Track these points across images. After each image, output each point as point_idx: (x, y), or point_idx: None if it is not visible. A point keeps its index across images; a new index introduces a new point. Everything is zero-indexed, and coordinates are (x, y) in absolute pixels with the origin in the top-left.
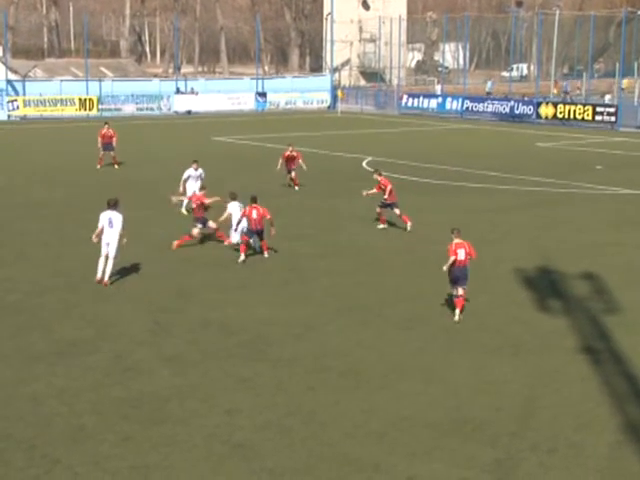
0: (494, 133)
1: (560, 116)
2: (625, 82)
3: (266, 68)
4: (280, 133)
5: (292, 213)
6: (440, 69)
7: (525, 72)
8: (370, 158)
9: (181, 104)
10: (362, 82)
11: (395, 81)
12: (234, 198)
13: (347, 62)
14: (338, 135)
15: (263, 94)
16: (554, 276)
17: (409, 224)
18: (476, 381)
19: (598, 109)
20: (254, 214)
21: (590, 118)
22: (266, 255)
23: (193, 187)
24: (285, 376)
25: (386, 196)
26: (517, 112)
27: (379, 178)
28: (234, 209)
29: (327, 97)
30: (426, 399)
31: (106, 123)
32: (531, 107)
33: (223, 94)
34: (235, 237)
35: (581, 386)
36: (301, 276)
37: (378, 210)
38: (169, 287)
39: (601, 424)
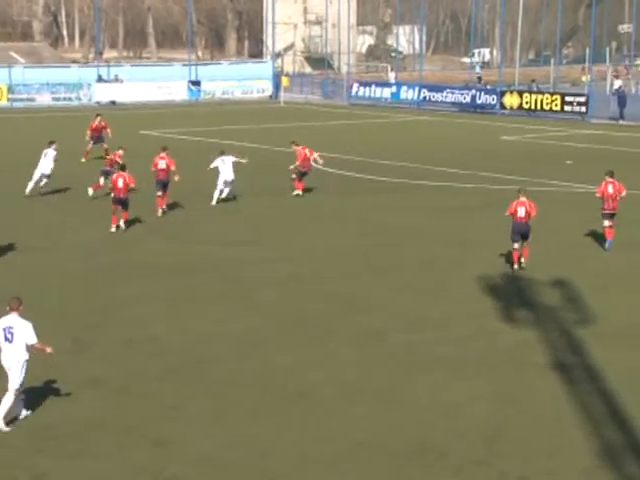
0: (455, 125)
1: (526, 106)
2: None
3: (200, 53)
4: (216, 126)
5: (229, 215)
6: (394, 54)
7: (487, 58)
8: (317, 154)
9: (104, 94)
10: (307, 69)
11: (344, 68)
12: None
13: (291, 47)
14: (281, 128)
15: (197, 82)
16: (521, 283)
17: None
18: (438, 402)
19: (567, 99)
20: (120, 182)
21: (559, 108)
22: (122, 226)
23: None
24: (223, 401)
25: (298, 162)
26: (479, 102)
27: (296, 148)
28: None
29: (268, 86)
30: (383, 423)
31: (98, 115)
32: (494, 96)
33: (151, 82)
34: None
35: (552, 406)
36: (242, 286)
37: (294, 177)
38: (90, 300)
39: (575, 448)
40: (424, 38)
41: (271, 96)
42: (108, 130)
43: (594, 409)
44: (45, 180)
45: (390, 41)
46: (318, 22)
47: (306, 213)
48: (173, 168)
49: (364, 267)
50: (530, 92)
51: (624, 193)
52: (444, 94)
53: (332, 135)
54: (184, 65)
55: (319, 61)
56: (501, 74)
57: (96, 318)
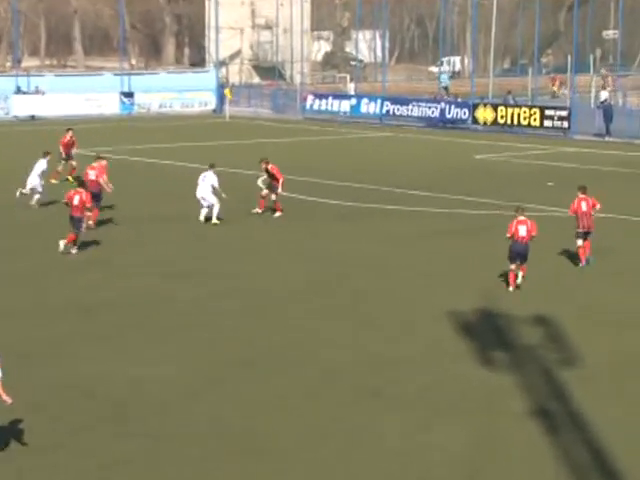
0: (422, 142)
1: (501, 121)
2: (606, 76)
3: (133, 61)
4: (151, 144)
5: (170, 243)
6: (353, 63)
7: (458, 67)
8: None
9: (23, 107)
10: (256, 79)
11: (297, 78)
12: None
13: (237, 54)
14: (226, 146)
15: (129, 94)
16: (497, 319)
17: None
18: (406, 450)
19: (547, 112)
20: (75, 200)
21: (538, 124)
22: (63, 247)
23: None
24: (161, 454)
25: (280, 189)
26: (449, 116)
27: (269, 167)
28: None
29: (212, 98)
30: (348, 472)
31: (69, 129)
32: (466, 110)
33: (78, 94)
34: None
35: (532, 458)
36: (183, 321)
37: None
38: (5, 343)
39: None
40: (387, 45)
41: (215, 110)
42: (75, 147)
43: (578, 461)
44: (37, 196)
45: (349, 48)
46: (268, 27)
47: (254, 241)
48: (104, 179)
49: (320, 302)
50: (506, 105)
51: (598, 206)
52: (410, 107)
53: (283, 154)
54: (115, 75)
55: (269, 70)
56: (473, 85)
57: (13, 363)
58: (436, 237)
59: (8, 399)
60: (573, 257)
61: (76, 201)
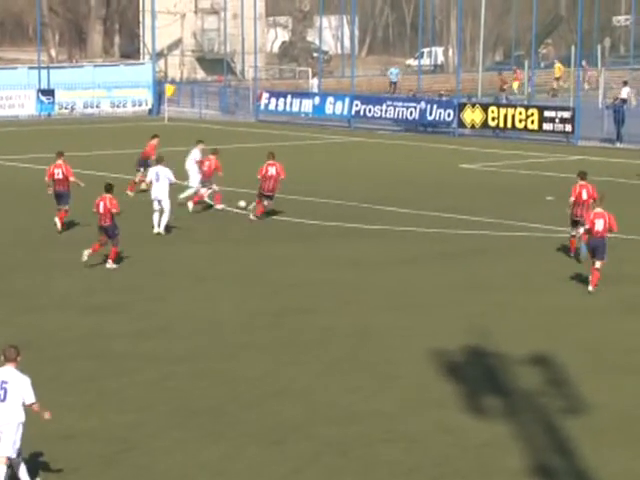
0: (398, 149)
1: (492, 124)
2: (557, 69)
3: (53, 53)
4: (75, 151)
5: (93, 270)
6: (316, 55)
7: (441, 59)
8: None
9: None
10: (200, 74)
11: (250, 73)
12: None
13: (177, 44)
14: (165, 153)
15: (49, 92)
16: (490, 360)
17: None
18: None
19: (547, 114)
20: (101, 207)
21: (536, 127)
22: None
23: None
24: None
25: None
26: (431, 118)
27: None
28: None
29: (148, 96)
30: None
31: (156, 136)
32: (451, 111)
33: None
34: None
35: None
36: (112, 366)
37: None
38: None
39: None
40: (356, 33)
41: (151, 110)
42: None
43: None
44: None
45: (311, 37)
46: (214, 12)
47: (196, 267)
48: (72, 178)
49: (274, 339)
50: (498, 105)
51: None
52: (384, 108)
53: (232, 163)
54: (31, 68)
55: (216, 63)
56: (459, 81)
57: None
58: (414, 262)
59: (47, 414)
60: (578, 285)
61: (101, 208)
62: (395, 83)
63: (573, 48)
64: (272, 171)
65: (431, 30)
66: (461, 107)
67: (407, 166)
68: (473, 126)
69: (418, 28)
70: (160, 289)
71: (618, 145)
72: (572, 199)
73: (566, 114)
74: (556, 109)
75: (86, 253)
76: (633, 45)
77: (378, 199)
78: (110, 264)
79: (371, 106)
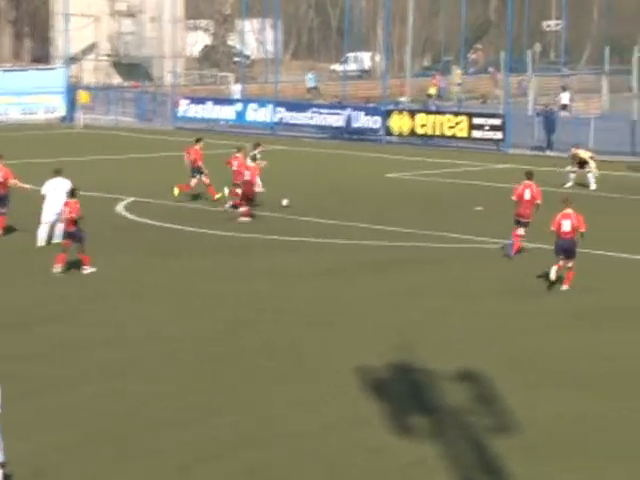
0: (323, 157)
1: (421, 131)
2: (456, 75)
3: None
4: None
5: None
6: (238, 60)
7: (368, 65)
8: (132, 199)
9: None
10: (116, 79)
11: (168, 78)
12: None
13: (91, 48)
14: (77, 163)
15: None
16: (417, 376)
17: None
18: None
19: (476, 121)
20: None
21: (465, 134)
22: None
23: None
24: None
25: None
26: (357, 125)
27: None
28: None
29: (60, 103)
30: None
31: (200, 140)
32: (378, 118)
33: None
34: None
35: None
36: (28, 387)
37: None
38: None
39: None
40: (280, 37)
41: (64, 118)
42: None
43: None
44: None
45: (233, 41)
46: (130, 14)
47: (112, 283)
48: (13, 181)
49: (191, 357)
50: (426, 112)
51: (539, 201)
52: (309, 114)
53: (149, 172)
54: None
55: (132, 68)
56: (386, 87)
57: None
58: (337, 274)
59: None
60: (509, 296)
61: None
62: (314, 88)
63: (503, 53)
64: (247, 176)
65: (357, 34)
66: (388, 114)
67: (333, 175)
68: (401, 134)
69: (344, 32)
70: (59, 311)
71: (549, 153)
72: (514, 198)
73: (496, 121)
74: (486, 116)
75: (56, 269)
76: (564, 50)
77: (303, 209)
78: (86, 270)
79: (295, 113)
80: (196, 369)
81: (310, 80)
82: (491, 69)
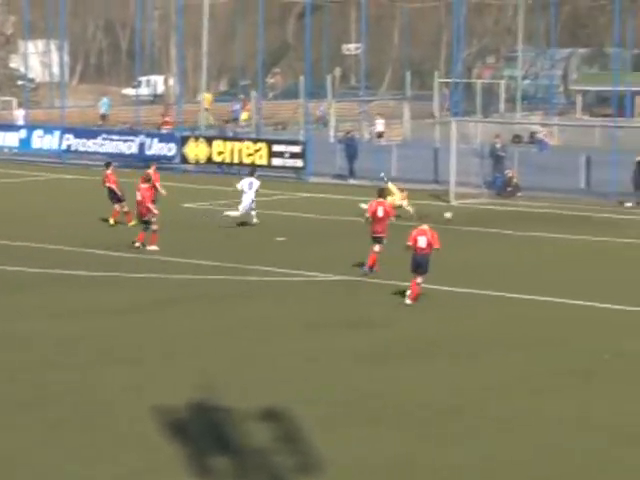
0: None
1: (219, 159)
2: (206, 99)
3: None
4: None
5: None
6: (21, 83)
7: (161, 89)
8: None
9: None
10: None
11: None
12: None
13: None
14: None
15: None
16: (217, 416)
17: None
18: None
19: (276, 148)
20: None
21: (265, 162)
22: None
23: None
24: None
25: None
26: (151, 152)
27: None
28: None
29: None
30: None
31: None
32: (172, 145)
33: None
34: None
35: None
36: None
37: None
38: None
39: None
40: (66, 59)
41: None
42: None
43: None
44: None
45: (15, 63)
46: None
47: None
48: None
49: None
50: (224, 139)
51: (393, 218)
52: (99, 142)
53: None
54: None
55: None
56: (180, 113)
57: None
58: (133, 311)
59: None
60: (315, 331)
61: None
62: (106, 116)
63: (302, 77)
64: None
65: (150, 57)
66: (184, 141)
67: (93, 206)
68: (197, 162)
69: (135, 55)
70: None
71: (351, 181)
72: (368, 216)
73: (296, 148)
74: (286, 143)
75: None
76: (364, 75)
77: (94, 241)
78: None
79: (85, 140)
80: None
81: (104, 105)
82: (241, 95)
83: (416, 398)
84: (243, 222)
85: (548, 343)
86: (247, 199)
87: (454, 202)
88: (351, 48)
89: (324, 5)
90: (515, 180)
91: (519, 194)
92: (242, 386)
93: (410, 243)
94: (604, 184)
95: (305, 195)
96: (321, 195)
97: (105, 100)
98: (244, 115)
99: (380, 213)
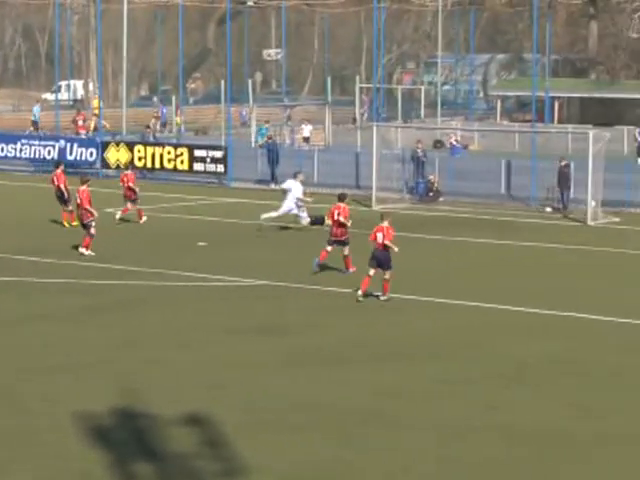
0: (31, 192)
1: (140, 164)
2: (95, 103)
3: None
4: None
5: None
6: None
7: (81, 94)
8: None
9: None
10: None
11: None
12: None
13: None
14: None
15: None
16: (140, 422)
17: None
18: None
19: (197, 153)
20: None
21: (186, 167)
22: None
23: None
24: None
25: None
26: (72, 158)
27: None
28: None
29: None
30: None
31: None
32: (93, 150)
33: None
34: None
35: None
36: None
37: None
38: None
39: None
40: None
41: None
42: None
43: None
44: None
45: None
46: None
47: None
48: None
49: None
50: (145, 144)
51: (348, 221)
52: (19, 147)
53: None
54: None
55: None
56: (101, 118)
57: None
58: (53, 317)
59: None
60: (237, 337)
61: None
62: (37, 122)
63: (223, 82)
64: None
65: (69, 61)
66: (105, 146)
67: (39, 211)
68: (119, 166)
69: (54, 59)
70: None
71: (273, 186)
72: (329, 221)
73: (218, 154)
74: (207, 148)
75: None
76: (285, 80)
77: (13, 247)
78: None
79: (4, 145)
80: None
81: (36, 113)
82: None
83: (338, 403)
84: (285, 226)
85: (473, 347)
86: (289, 201)
87: (376, 207)
88: (272, 53)
89: (244, 10)
90: (436, 185)
91: (441, 199)
92: (163, 392)
93: (371, 239)
94: (524, 189)
95: (227, 200)
96: (243, 200)
97: (37, 108)
98: (178, 120)
99: (339, 217)
